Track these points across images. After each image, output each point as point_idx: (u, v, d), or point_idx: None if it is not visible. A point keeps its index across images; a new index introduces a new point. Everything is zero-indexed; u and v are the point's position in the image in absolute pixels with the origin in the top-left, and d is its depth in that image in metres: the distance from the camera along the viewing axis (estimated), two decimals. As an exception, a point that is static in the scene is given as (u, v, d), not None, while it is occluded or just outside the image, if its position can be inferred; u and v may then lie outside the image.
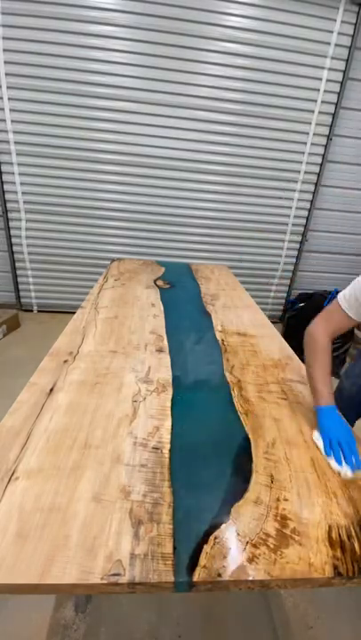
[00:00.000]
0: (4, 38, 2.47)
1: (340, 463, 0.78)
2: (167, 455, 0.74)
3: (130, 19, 2.49)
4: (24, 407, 0.86)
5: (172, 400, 0.94)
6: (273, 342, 1.36)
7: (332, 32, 2.63)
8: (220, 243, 3.31)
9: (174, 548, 0.55)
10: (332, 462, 0.78)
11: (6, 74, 2.56)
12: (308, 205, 3.21)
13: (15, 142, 2.77)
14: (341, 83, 2.77)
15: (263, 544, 0.57)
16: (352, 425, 1.24)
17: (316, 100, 2.82)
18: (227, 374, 1.10)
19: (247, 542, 0.57)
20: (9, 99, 2.63)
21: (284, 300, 3.64)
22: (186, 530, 0.59)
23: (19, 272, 3.29)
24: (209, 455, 0.76)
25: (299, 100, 2.81)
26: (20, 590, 0.50)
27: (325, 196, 3.19)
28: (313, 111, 2.86)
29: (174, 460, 0.73)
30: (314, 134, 2.93)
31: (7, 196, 2.95)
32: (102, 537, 0.56)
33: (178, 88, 2.71)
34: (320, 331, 1.00)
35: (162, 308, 1.61)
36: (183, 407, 0.92)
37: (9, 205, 2.99)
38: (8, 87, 2.60)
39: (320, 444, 0.83)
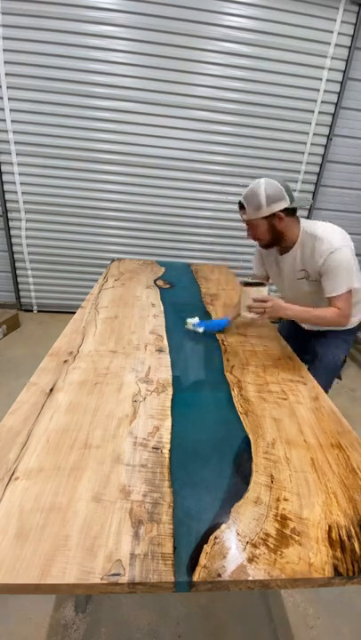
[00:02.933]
0: (3, 38, 2.47)
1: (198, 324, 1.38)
2: (167, 455, 0.74)
3: (130, 19, 2.50)
4: (24, 407, 0.86)
5: (172, 400, 0.94)
6: (273, 342, 1.36)
7: (332, 32, 2.63)
8: (221, 243, 3.31)
9: (174, 547, 0.55)
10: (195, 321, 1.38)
11: (6, 74, 2.57)
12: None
13: (15, 142, 2.77)
14: (341, 83, 2.77)
15: (263, 544, 0.57)
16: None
17: (316, 100, 2.82)
18: (227, 374, 1.10)
19: (247, 542, 0.57)
20: (9, 99, 2.64)
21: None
22: (186, 530, 0.58)
23: (19, 272, 3.29)
24: (209, 455, 0.76)
25: (299, 100, 2.81)
26: (20, 590, 0.50)
27: (325, 196, 3.19)
28: (313, 111, 2.86)
29: (174, 460, 0.73)
30: (314, 134, 2.93)
31: (7, 196, 2.95)
32: (102, 537, 0.56)
33: (178, 88, 2.71)
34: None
35: (162, 308, 1.61)
36: (183, 407, 0.92)
37: (9, 205, 2.99)
38: (8, 87, 2.60)
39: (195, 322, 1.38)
